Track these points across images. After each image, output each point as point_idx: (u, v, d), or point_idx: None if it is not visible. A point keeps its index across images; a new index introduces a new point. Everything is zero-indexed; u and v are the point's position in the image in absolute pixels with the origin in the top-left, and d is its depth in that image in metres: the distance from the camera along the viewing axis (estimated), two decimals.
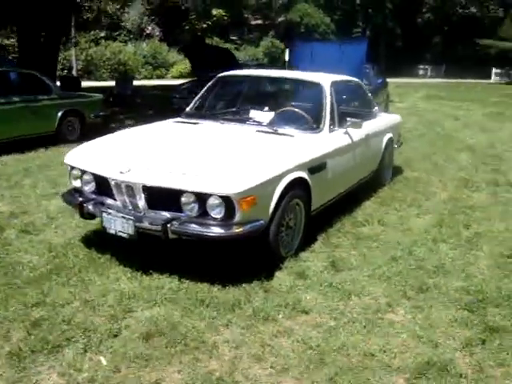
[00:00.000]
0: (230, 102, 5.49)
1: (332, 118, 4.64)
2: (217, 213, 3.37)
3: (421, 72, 46.70)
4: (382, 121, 6.11)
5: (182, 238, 3.48)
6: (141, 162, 3.63)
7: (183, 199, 3.40)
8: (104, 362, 2.72)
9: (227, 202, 3.32)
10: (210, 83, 5.33)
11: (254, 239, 3.58)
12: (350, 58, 10.18)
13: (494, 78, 42.61)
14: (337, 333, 3.02)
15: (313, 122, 4.56)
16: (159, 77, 31.13)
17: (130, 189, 3.53)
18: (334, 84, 4.95)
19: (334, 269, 3.89)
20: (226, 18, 38.28)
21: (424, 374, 2.64)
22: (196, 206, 3.39)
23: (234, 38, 40.16)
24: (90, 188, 3.89)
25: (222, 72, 5.52)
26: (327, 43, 11.34)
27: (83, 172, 3.90)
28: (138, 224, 3.48)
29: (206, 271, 3.70)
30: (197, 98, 5.26)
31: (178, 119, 4.92)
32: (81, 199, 3.80)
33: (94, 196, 3.86)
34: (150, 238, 3.65)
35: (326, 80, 4.90)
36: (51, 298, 3.33)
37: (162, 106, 13.86)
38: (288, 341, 2.95)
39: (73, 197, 4.00)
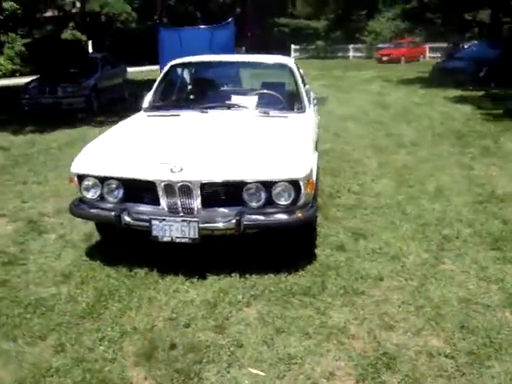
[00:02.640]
0: (196, 89, 5.20)
1: (305, 97, 4.80)
2: (284, 199, 3.31)
3: None
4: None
5: (246, 231, 3.33)
6: (184, 158, 3.33)
7: (248, 190, 3.26)
8: (260, 372, 2.55)
9: (295, 186, 3.29)
10: (163, 73, 5.00)
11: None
12: (220, 42, 10.34)
13: (293, 55, 46.45)
14: (424, 290, 3.30)
15: (296, 103, 4.66)
16: None
17: (185, 189, 3.23)
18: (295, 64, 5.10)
19: (361, 237, 4.13)
20: (19, 11, 34.26)
21: None
22: (262, 196, 3.28)
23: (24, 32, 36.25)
24: (115, 196, 3.43)
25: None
26: (194, 29, 11.22)
27: (103, 179, 3.41)
28: (203, 225, 3.22)
29: (250, 263, 3.60)
30: (154, 89, 4.88)
31: (151, 113, 4.53)
32: (116, 211, 3.33)
33: (122, 205, 3.41)
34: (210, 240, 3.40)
35: (290, 61, 5.01)
36: (131, 326, 2.93)
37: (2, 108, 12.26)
38: (394, 307, 3.12)
39: (92, 209, 3.48)
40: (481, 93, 12.20)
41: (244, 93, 4.81)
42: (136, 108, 4.82)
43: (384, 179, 5.74)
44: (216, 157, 3.36)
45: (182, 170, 3.22)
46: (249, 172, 3.25)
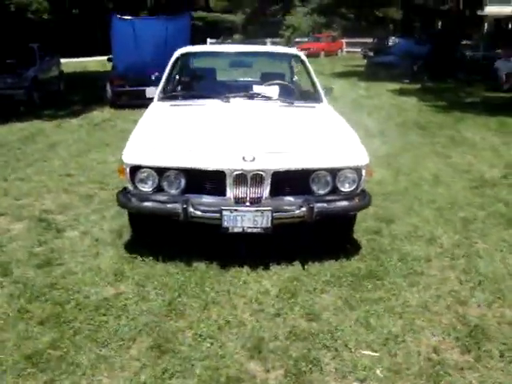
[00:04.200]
0: (211, 79, 5.05)
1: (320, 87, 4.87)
2: (348, 186, 3.39)
3: None
4: None
5: (316, 218, 3.34)
6: (254, 147, 3.28)
7: (315, 178, 3.30)
8: (373, 353, 2.61)
9: (357, 173, 3.38)
10: (171, 62, 4.81)
11: None
12: (175, 35, 10.05)
13: None
14: (474, 267, 3.52)
15: (313, 93, 4.73)
16: None
17: (258, 177, 3.19)
18: None
19: (390, 223, 4.29)
20: None
21: None
22: (329, 183, 3.34)
23: None
24: (177, 187, 3.29)
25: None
26: (149, 20, 10.69)
27: (162, 170, 3.26)
28: (276, 214, 3.20)
29: (304, 251, 3.65)
30: (164, 79, 4.69)
31: (171, 103, 4.36)
32: (181, 203, 3.19)
33: (183, 197, 3.27)
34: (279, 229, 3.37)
35: (299, 52, 5.06)
36: (223, 321, 2.85)
37: None
38: (457, 284, 3.33)
39: (146, 202, 3.31)
40: (417, 86, 13.04)
41: (259, 83, 4.79)
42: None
43: (376, 168, 5.95)
44: (283, 145, 3.36)
45: (254, 159, 3.18)
46: (318, 160, 3.29)
